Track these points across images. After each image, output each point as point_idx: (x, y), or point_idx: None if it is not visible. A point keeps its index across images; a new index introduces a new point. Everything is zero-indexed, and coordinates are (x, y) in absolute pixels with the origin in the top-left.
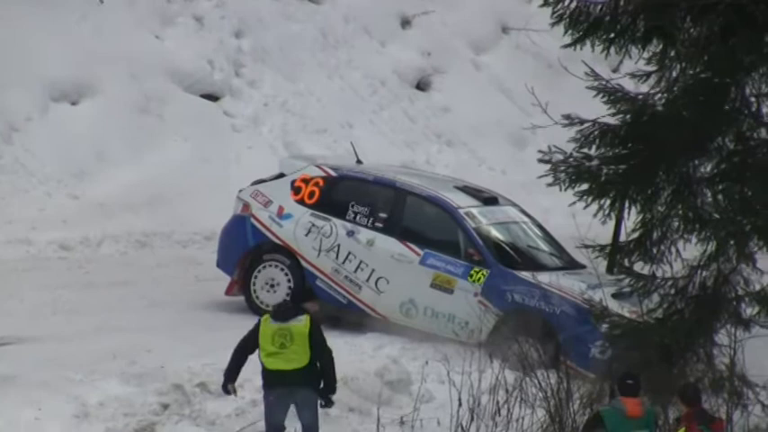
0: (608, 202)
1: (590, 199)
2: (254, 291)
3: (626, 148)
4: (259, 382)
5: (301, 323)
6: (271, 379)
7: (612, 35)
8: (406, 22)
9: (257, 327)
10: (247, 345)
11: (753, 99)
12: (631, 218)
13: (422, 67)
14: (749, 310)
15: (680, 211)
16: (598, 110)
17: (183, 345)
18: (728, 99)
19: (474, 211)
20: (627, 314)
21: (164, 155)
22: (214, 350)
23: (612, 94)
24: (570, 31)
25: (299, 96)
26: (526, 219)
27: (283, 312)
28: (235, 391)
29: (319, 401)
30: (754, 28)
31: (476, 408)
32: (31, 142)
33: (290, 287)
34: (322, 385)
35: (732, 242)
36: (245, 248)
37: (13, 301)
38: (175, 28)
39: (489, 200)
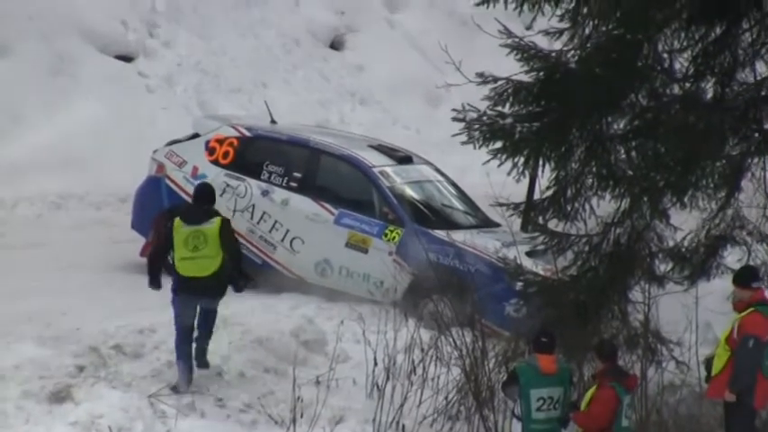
0: (522, 159)
1: (504, 157)
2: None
3: (539, 106)
4: (173, 344)
5: (213, 225)
6: (183, 284)
7: None
8: None
9: (170, 231)
10: (163, 249)
11: (665, 55)
12: (545, 175)
13: (335, 26)
14: (663, 267)
15: (593, 169)
16: (512, 67)
17: (98, 307)
18: (641, 56)
19: (388, 170)
20: (541, 272)
21: (78, 116)
22: (129, 311)
23: (526, 52)
24: None
25: (212, 56)
26: (441, 177)
27: (195, 215)
28: (158, 288)
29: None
30: None
31: (391, 367)
32: None
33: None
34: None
35: (646, 199)
36: (159, 209)
37: None
38: None
39: (404, 159)
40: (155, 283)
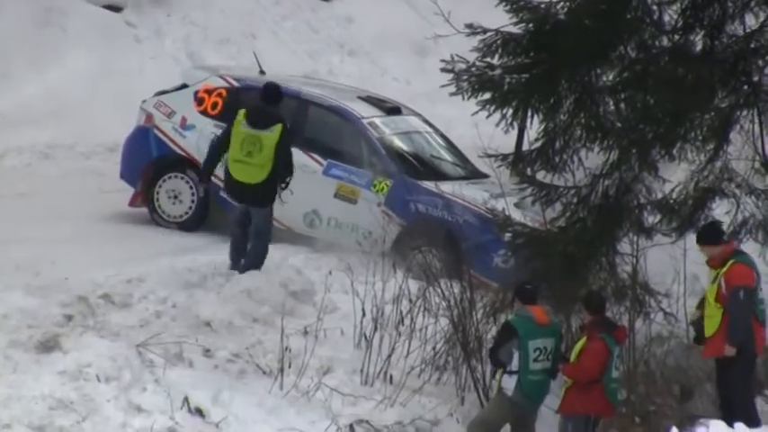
0: (510, 111)
1: (493, 108)
2: (158, 202)
3: (528, 58)
4: (162, 292)
5: (273, 133)
6: (230, 186)
7: None
8: None
9: (231, 125)
10: (222, 143)
11: (655, 7)
12: (534, 127)
13: None
14: (651, 219)
15: (582, 120)
16: (501, 19)
17: (86, 256)
18: (630, 7)
19: (377, 121)
20: (530, 223)
21: (66, 67)
22: (118, 261)
23: (515, 3)
24: None
25: (201, 6)
26: (429, 129)
27: (259, 117)
28: (207, 184)
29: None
30: None
31: (379, 318)
32: None
33: (193, 198)
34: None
35: (634, 151)
36: (148, 159)
37: None
38: None
39: (392, 110)
40: (205, 180)
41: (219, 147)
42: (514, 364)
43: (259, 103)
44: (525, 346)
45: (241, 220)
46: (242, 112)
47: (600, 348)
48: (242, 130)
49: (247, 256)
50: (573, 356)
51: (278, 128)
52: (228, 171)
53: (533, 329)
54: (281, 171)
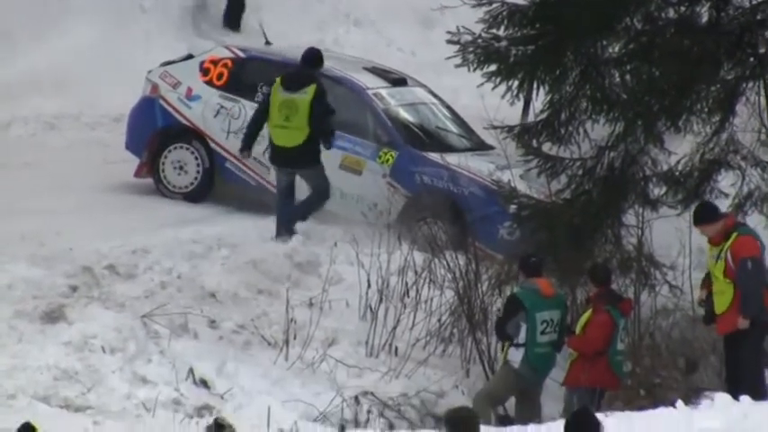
0: (516, 83)
1: (498, 80)
2: (163, 173)
3: (534, 29)
4: (167, 263)
5: (306, 95)
6: (274, 153)
7: None
8: None
9: (269, 94)
10: (262, 112)
11: None
12: (539, 99)
13: None
14: (657, 191)
15: (588, 92)
16: None
17: (91, 227)
18: None
19: (383, 92)
20: (535, 195)
21: (71, 36)
22: (123, 232)
23: None
24: None
25: None
26: (435, 100)
27: (292, 80)
28: (249, 154)
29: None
30: None
31: (384, 289)
32: None
33: (198, 169)
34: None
35: (640, 123)
36: (153, 130)
37: None
38: None
39: (398, 81)
40: (246, 148)
41: (259, 116)
42: (521, 337)
43: (296, 67)
44: (533, 319)
45: (285, 190)
46: (278, 78)
47: (605, 320)
48: (278, 96)
49: (302, 203)
50: (578, 329)
51: (311, 89)
52: (271, 139)
53: (540, 302)
54: (318, 130)
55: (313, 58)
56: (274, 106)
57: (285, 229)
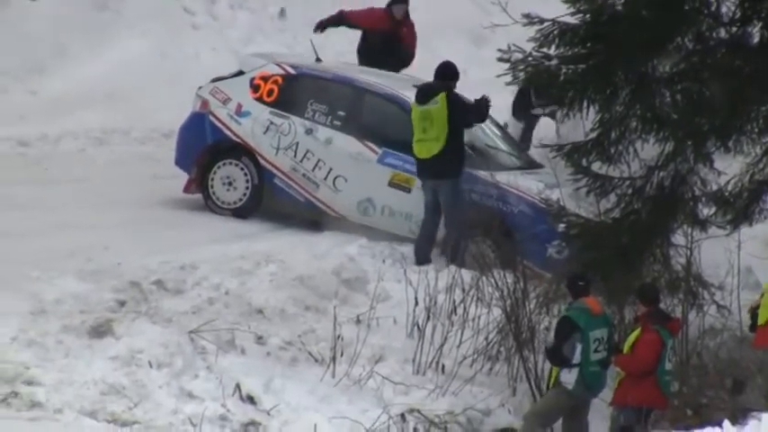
0: (567, 101)
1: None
2: (212, 189)
3: (585, 48)
4: (215, 279)
5: (438, 104)
6: (417, 166)
7: None
8: None
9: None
10: None
11: None
12: (590, 118)
13: None
14: (706, 211)
15: (638, 111)
16: (558, 9)
17: (139, 242)
18: None
19: None
20: (584, 214)
21: (122, 51)
22: (171, 248)
23: None
24: None
25: None
26: None
27: (422, 93)
28: None
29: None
30: None
31: (432, 307)
32: None
33: (247, 185)
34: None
35: (690, 142)
36: (203, 146)
37: None
38: None
39: None
40: None
41: None
42: (576, 357)
43: (425, 82)
44: (587, 338)
45: (431, 207)
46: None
47: (654, 340)
48: (415, 109)
49: (447, 248)
50: (626, 348)
51: (441, 97)
52: (414, 153)
53: (592, 320)
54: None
55: (443, 70)
56: (414, 122)
57: (425, 254)
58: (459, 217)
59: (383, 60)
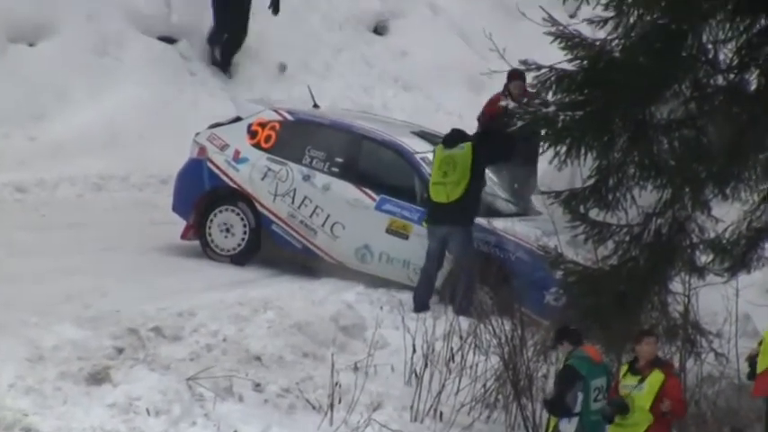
0: (564, 148)
1: (546, 145)
2: (210, 235)
3: (583, 95)
4: (213, 326)
5: (464, 150)
6: (430, 210)
7: None
8: None
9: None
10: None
11: (710, 46)
12: (587, 164)
13: (379, 11)
14: (704, 258)
15: (636, 158)
16: (555, 56)
17: (137, 288)
18: (686, 46)
19: (431, 156)
20: (582, 261)
21: (121, 97)
22: (169, 294)
23: (570, 40)
24: None
25: (255, 38)
26: None
27: (450, 137)
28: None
29: None
30: None
31: (430, 354)
32: None
33: (245, 231)
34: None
35: (687, 189)
36: (200, 192)
37: None
38: None
39: None
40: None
41: None
42: (577, 407)
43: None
44: (587, 387)
45: (435, 255)
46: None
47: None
48: (439, 154)
49: (457, 299)
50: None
51: (467, 144)
52: (429, 195)
53: (593, 369)
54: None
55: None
56: (435, 165)
57: (424, 302)
58: (470, 264)
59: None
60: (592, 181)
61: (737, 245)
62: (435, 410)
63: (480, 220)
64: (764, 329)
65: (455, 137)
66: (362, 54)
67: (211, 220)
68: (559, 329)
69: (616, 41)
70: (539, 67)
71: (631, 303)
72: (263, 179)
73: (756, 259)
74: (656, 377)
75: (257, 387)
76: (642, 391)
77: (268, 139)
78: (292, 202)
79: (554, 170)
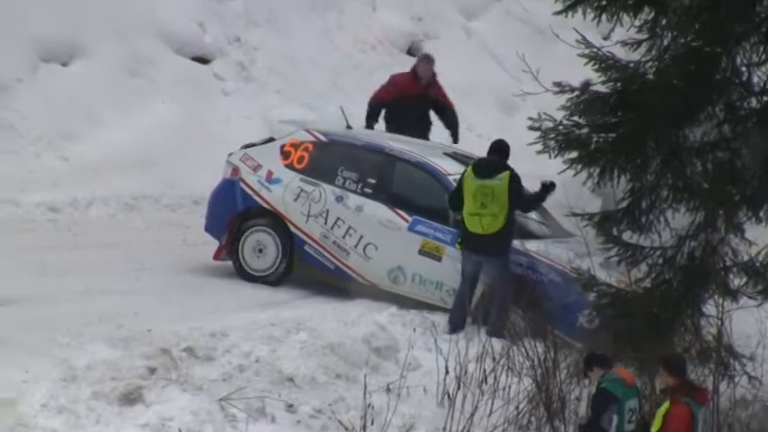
0: (597, 170)
1: (579, 167)
2: (242, 255)
3: (616, 117)
4: (245, 347)
5: (502, 181)
6: (468, 239)
7: (604, 2)
8: None
9: (461, 182)
10: (456, 202)
11: (743, 68)
12: (620, 186)
13: (412, 33)
14: (737, 281)
15: (669, 181)
16: (588, 77)
17: (170, 308)
18: (719, 68)
19: None
20: (615, 283)
21: (154, 117)
22: (201, 314)
23: (603, 62)
24: None
25: (288, 59)
26: None
27: (484, 167)
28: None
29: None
30: None
31: (462, 376)
32: (20, 103)
33: (278, 252)
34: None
35: (721, 212)
36: (233, 213)
37: (0, 262)
38: None
39: None
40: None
41: (452, 203)
42: (611, 430)
43: (485, 156)
44: (622, 409)
45: (470, 281)
46: (469, 168)
47: (684, 412)
48: (471, 183)
49: (490, 321)
50: (657, 421)
51: (505, 175)
52: (465, 225)
53: (627, 391)
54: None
55: (503, 148)
56: (468, 194)
57: (458, 323)
58: (504, 287)
59: (414, 127)
60: (625, 203)
61: None
62: None
63: (514, 242)
64: None
65: (489, 167)
66: None
67: (244, 241)
68: (587, 356)
69: (650, 63)
70: (572, 89)
71: (664, 326)
72: (295, 200)
73: None
74: (664, 405)
75: (290, 408)
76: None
77: (301, 159)
78: (325, 223)
79: (587, 192)
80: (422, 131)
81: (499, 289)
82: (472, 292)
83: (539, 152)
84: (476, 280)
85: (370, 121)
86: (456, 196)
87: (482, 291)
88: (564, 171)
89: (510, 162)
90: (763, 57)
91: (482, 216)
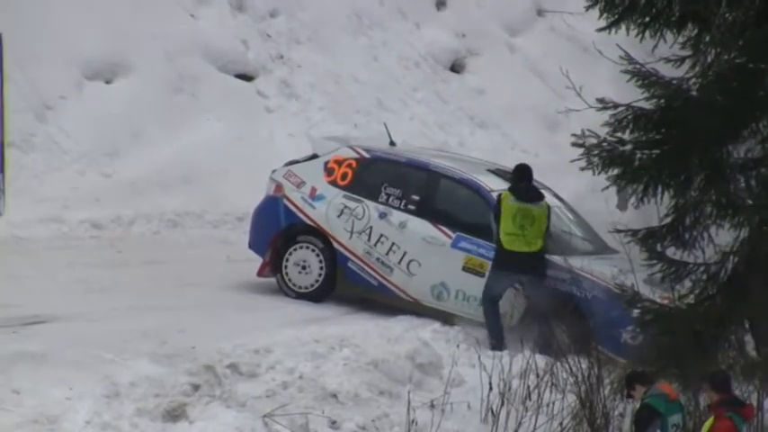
0: (641, 186)
1: (623, 184)
2: (286, 272)
3: (659, 133)
4: (289, 363)
5: (542, 209)
6: (507, 258)
7: (648, 19)
8: (441, 4)
9: (498, 203)
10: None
11: None
12: (664, 203)
13: (456, 49)
14: None
15: (713, 197)
16: (632, 94)
17: (214, 325)
18: (763, 85)
19: None
20: (658, 300)
21: (197, 134)
22: (245, 331)
23: (647, 79)
24: (605, 15)
25: (332, 77)
26: (559, 203)
27: (527, 193)
28: None
29: None
30: None
31: (506, 392)
32: (64, 120)
33: (321, 269)
34: None
35: (765, 228)
36: (277, 229)
37: (45, 279)
38: (210, 7)
39: None
40: None
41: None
42: None
43: (517, 183)
44: (665, 424)
45: (501, 296)
46: (506, 191)
47: (728, 427)
48: (510, 204)
49: (534, 338)
50: None
51: (544, 203)
52: (502, 245)
53: (671, 406)
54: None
55: (530, 172)
56: (508, 215)
57: (499, 341)
58: (546, 303)
59: None
60: (669, 219)
61: None
62: None
63: (557, 259)
64: None
65: (531, 192)
66: (438, 92)
67: (288, 258)
68: (628, 375)
69: (693, 80)
70: (615, 106)
71: (708, 342)
72: (339, 216)
73: None
74: (709, 420)
75: (333, 424)
76: None
77: (344, 176)
78: (368, 240)
79: (631, 208)
80: None
81: (542, 306)
82: (495, 308)
83: (582, 169)
84: (497, 301)
85: None
86: (496, 218)
87: (525, 308)
88: (607, 188)
89: (553, 178)
90: None
91: (522, 237)
